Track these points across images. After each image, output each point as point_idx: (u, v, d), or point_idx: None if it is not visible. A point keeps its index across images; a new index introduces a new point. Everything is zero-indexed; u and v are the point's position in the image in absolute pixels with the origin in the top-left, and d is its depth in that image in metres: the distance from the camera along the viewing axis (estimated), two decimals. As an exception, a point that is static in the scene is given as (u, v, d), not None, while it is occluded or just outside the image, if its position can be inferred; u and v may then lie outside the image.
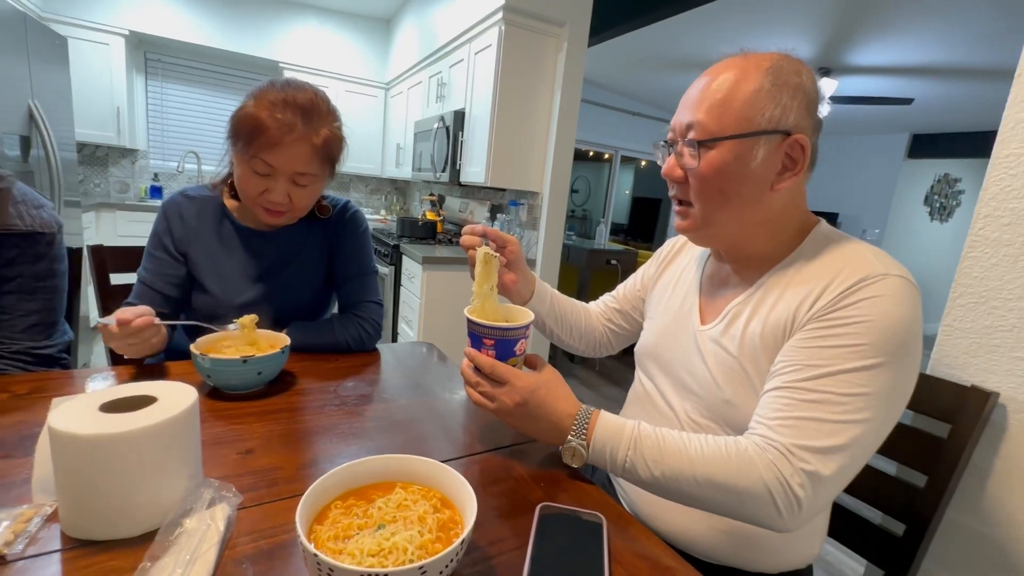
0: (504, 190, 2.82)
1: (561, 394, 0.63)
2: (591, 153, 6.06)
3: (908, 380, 0.57)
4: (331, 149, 0.91)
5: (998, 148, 0.77)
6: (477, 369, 0.64)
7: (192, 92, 3.70)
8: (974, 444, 0.73)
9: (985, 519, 0.77)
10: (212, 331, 0.82)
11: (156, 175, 3.65)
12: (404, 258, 2.61)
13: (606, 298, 0.98)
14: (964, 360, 0.80)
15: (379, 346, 1.05)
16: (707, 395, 0.67)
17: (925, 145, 5.22)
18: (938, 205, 5.60)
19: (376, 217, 4.13)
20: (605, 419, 0.60)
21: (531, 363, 0.69)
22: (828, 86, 3.72)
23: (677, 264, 0.85)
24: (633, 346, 0.90)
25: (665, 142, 0.69)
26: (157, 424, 0.45)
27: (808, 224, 0.67)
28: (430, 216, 3.11)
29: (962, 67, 3.37)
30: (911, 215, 5.54)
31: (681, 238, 0.88)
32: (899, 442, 0.77)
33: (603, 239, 4.39)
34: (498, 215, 2.69)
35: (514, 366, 0.64)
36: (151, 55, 3.52)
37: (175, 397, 0.50)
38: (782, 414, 0.55)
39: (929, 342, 0.83)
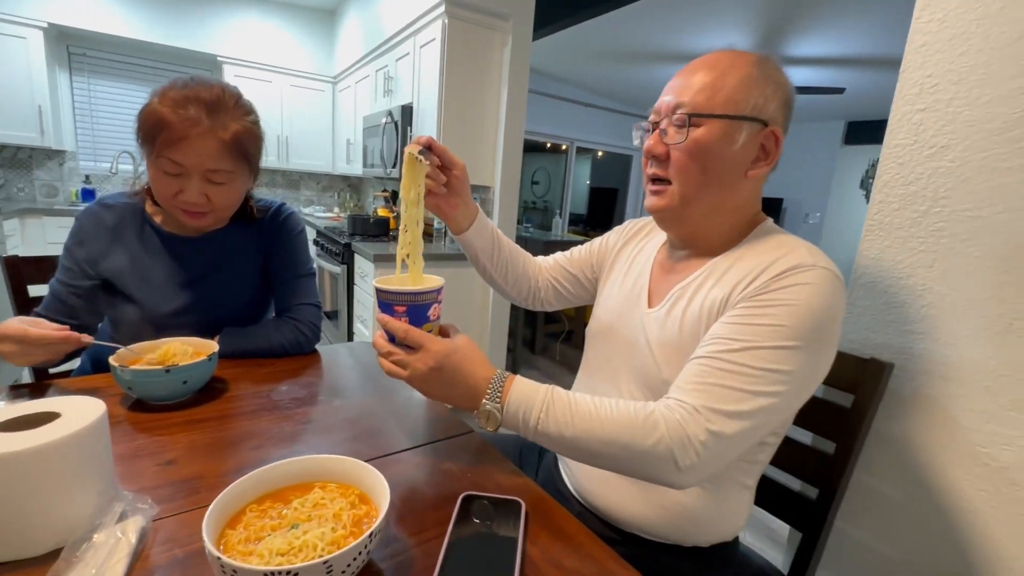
0: (456, 185, 2.80)
1: (476, 358, 0.62)
2: (548, 145, 6.10)
3: (820, 366, 0.61)
4: (243, 144, 0.88)
5: (888, 139, 0.83)
6: (391, 340, 0.62)
7: (124, 89, 3.50)
8: (874, 412, 0.80)
9: (887, 480, 0.85)
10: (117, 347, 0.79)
11: (87, 177, 3.44)
12: (356, 256, 2.57)
13: (559, 256, 0.98)
14: (865, 335, 0.86)
15: (336, 346, 1.05)
16: (648, 373, 0.71)
17: (859, 132, 5.53)
18: (872, 189, 5.95)
19: (329, 215, 4.03)
20: (520, 383, 0.61)
21: (444, 333, 0.67)
22: (767, 77, 3.87)
23: (633, 246, 0.87)
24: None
25: (646, 125, 0.72)
26: (55, 441, 0.44)
27: (757, 220, 0.72)
28: (383, 213, 3.07)
29: (888, 57, 3.59)
30: (849, 199, 5.86)
31: (641, 220, 0.91)
32: (812, 414, 0.83)
33: (560, 230, 4.44)
34: (451, 210, 2.68)
35: (428, 332, 0.62)
36: (75, 49, 3.30)
37: (80, 412, 0.49)
38: (698, 380, 0.58)
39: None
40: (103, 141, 3.49)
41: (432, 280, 0.67)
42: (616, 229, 0.94)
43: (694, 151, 0.65)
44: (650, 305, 0.75)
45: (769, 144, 0.66)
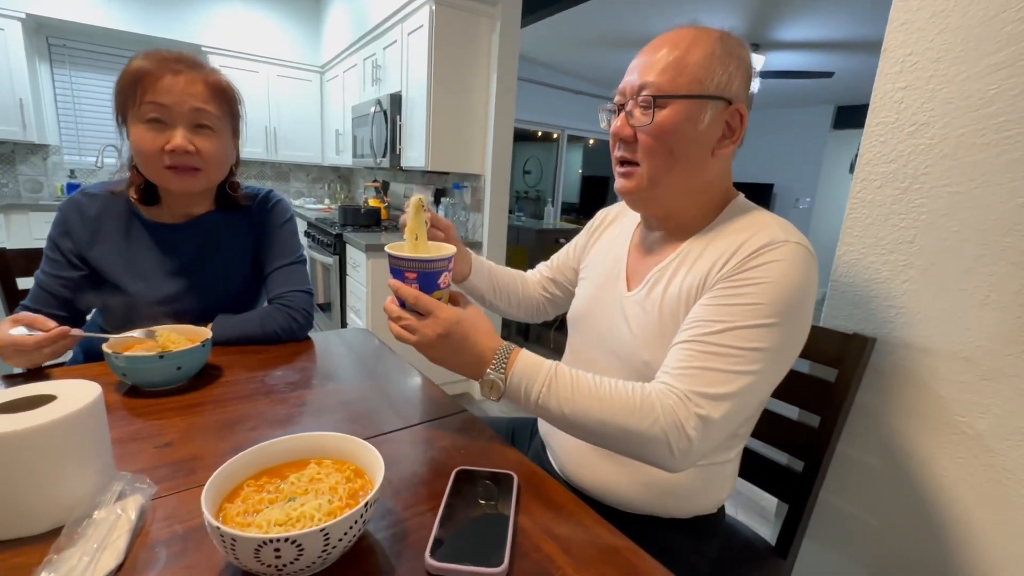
0: (447, 173, 2.80)
1: (484, 328, 0.63)
2: (539, 133, 6.07)
3: (797, 340, 0.62)
4: (227, 93, 0.90)
5: (870, 118, 0.85)
6: (402, 305, 0.63)
7: (107, 81, 3.44)
8: (857, 385, 0.82)
9: (870, 451, 0.87)
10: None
11: (72, 172, 3.40)
12: (348, 247, 2.57)
13: (541, 267, 1.01)
14: (848, 311, 0.88)
15: (328, 333, 1.05)
16: (629, 356, 0.71)
17: (848, 116, 5.54)
18: (855, 168, 5.98)
19: (320, 207, 4.01)
20: (525, 356, 0.62)
21: (454, 301, 0.67)
22: (756, 61, 3.87)
23: (608, 234, 0.88)
24: None
25: (612, 107, 0.72)
26: (54, 422, 0.44)
27: (729, 196, 0.72)
28: (374, 203, 3.06)
29: (877, 41, 3.59)
30: (839, 183, 5.89)
31: (613, 209, 0.92)
32: (797, 388, 0.85)
33: (552, 219, 4.44)
34: (442, 199, 2.68)
35: (438, 300, 0.63)
36: (54, 41, 3.24)
37: (77, 394, 0.49)
38: (684, 364, 0.59)
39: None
40: (87, 134, 3.44)
41: (443, 248, 0.67)
42: (586, 227, 0.95)
43: (660, 133, 0.65)
44: (629, 288, 0.75)
45: (734, 121, 0.66)
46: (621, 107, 0.69)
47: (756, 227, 0.64)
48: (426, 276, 0.62)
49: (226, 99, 0.90)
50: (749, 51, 0.67)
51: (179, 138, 0.84)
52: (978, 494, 0.75)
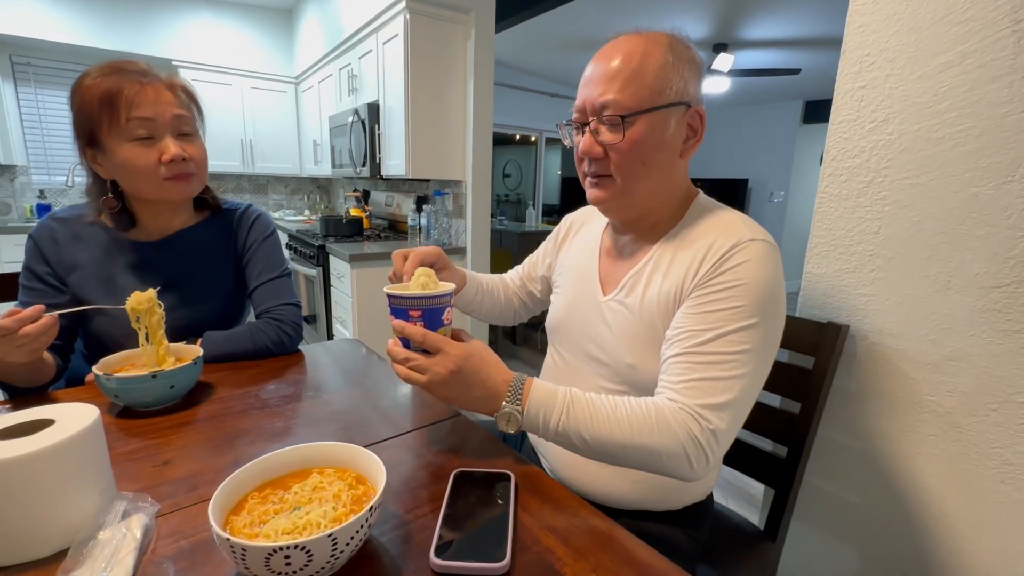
0: (428, 180, 2.81)
1: (493, 361, 0.63)
2: (518, 137, 6.12)
3: (777, 333, 0.65)
4: (192, 95, 0.92)
5: (833, 115, 0.89)
6: (405, 345, 0.63)
7: (74, 98, 3.37)
8: (833, 371, 0.86)
9: (848, 433, 0.91)
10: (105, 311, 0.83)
11: (42, 192, 3.31)
12: (331, 258, 2.56)
13: (512, 273, 1.04)
14: (822, 301, 0.92)
15: (314, 346, 1.05)
16: (612, 361, 0.73)
17: (817, 111, 5.70)
18: (822, 164, 6.14)
19: (300, 218, 3.98)
20: (539, 385, 0.62)
21: (456, 337, 0.67)
22: (725, 61, 3.97)
23: (577, 241, 0.89)
24: None
25: (570, 122, 0.72)
26: (54, 446, 0.45)
27: (691, 194, 0.75)
28: (355, 213, 3.05)
29: (839, 38, 3.71)
30: (810, 177, 6.05)
31: (578, 216, 0.94)
32: (778, 378, 0.88)
33: (533, 222, 4.48)
34: (424, 206, 2.69)
35: (444, 335, 0.63)
36: (18, 59, 3.16)
37: (75, 417, 0.50)
38: (684, 377, 0.61)
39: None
40: (56, 154, 3.36)
41: (443, 284, 0.67)
42: (552, 234, 0.97)
43: (633, 149, 0.66)
44: (604, 292, 0.77)
45: (695, 123, 0.69)
46: (582, 124, 0.70)
47: (721, 227, 0.67)
48: (431, 313, 0.62)
49: (194, 101, 0.92)
50: (696, 51, 0.69)
51: (173, 147, 0.86)
52: (948, 469, 0.79)
